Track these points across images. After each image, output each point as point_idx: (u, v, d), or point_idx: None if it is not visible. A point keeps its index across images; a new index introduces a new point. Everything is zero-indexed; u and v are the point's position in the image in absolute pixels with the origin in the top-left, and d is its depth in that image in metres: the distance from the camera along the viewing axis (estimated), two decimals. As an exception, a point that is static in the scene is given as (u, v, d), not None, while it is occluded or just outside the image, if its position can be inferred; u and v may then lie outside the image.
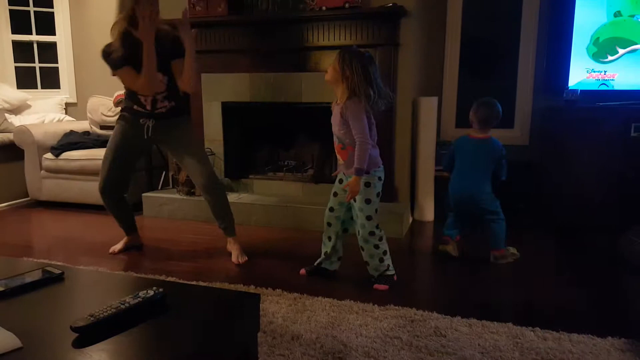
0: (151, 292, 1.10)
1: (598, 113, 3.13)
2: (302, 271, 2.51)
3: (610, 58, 3.20)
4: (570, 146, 3.17)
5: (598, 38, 3.20)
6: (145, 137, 2.65)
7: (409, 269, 2.66)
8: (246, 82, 3.55)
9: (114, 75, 2.56)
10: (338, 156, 2.34)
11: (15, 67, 4.72)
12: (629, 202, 3.08)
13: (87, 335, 0.96)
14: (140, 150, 2.83)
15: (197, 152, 2.72)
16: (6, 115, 4.33)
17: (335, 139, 2.30)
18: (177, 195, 3.66)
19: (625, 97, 3.18)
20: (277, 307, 2.07)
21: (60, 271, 1.29)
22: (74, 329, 0.96)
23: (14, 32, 4.71)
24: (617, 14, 3.14)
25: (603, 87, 3.24)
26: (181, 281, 2.28)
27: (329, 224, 2.42)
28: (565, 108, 3.25)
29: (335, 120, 2.26)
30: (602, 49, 3.20)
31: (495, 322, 1.92)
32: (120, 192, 2.79)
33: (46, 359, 0.90)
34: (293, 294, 2.20)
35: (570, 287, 2.35)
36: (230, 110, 3.69)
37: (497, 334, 1.84)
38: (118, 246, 2.89)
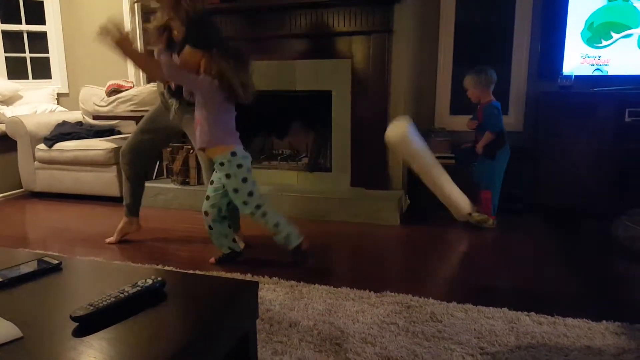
0: (150, 281, 1.10)
1: (592, 98, 3.13)
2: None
3: (604, 43, 3.20)
4: (564, 132, 3.18)
5: (592, 23, 3.20)
6: (171, 117, 2.64)
7: (404, 256, 2.68)
8: (240, 71, 3.52)
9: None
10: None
11: (5, 57, 4.67)
12: (623, 187, 3.09)
13: (87, 325, 0.96)
14: (169, 130, 2.76)
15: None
16: (-2, 106, 4.30)
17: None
18: (172, 185, 3.65)
19: (620, 82, 3.18)
20: (274, 294, 2.08)
21: (57, 261, 1.29)
22: (74, 319, 0.96)
23: (3, 21, 4.65)
24: (612, -2, 3.14)
25: (597, 73, 3.24)
26: (179, 270, 2.29)
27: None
28: (559, 94, 3.26)
29: None
30: (597, 34, 3.20)
31: (490, 307, 1.94)
32: (140, 164, 2.78)
33: (47, 348, 0.90)
34: (290, 281, 2.21)
35: (565, 272, 2.37)
36: (224, 99, 3.66)
37: (492, 318, 1.86)
38: (113, 238, 2.87)
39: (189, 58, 2.32)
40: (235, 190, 2.31)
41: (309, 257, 2.46)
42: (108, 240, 2.86)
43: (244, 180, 2.31)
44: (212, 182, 2.43)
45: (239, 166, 2.31)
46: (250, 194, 2.33)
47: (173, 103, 2.61)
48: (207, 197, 2.40)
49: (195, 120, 2.36)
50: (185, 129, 2.68)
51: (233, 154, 2.30)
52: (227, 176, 2.30)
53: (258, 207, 2.35)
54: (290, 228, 2.42)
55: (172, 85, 2.57)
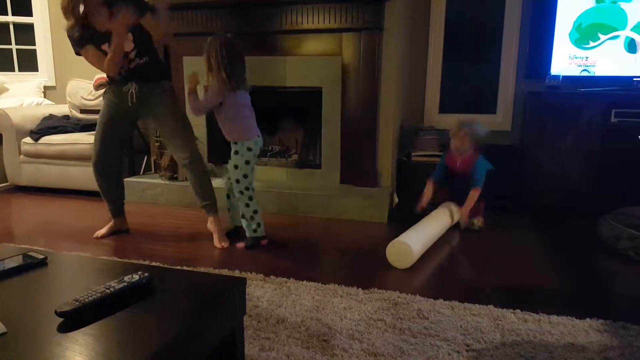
0: (136, 277, 1.09)
1: (579, 99, 3.16)
2: (240, 244, 2.72)
3: (592, 44, 3.23)
4: (551, 131, 3.21)
5: (580, 24, 3.23)
6: (130, 104, 2.62)
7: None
8: (229, 66, 3.50)
9: (77, 55, 2.59)
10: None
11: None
12: (609, 187, 3.14)
13: (73, 320, 0.95)
14: (129, 122, 2.79)
15: (178, 125, 2.70)
16: (-17, 98, 4.23)
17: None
18: (159, 180, 3.62)
19: (606, 83, 3.22)
20: (262, 291, 2.07)
21: (43, 256, 1.28)
22: (59, 314, 0.95)
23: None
24: (600, 0, 3.17)
25: (585, 73, 3.28)
26: (166, 266, 2.28)
27: (227, 195, 2.84)
28: (547, 94, 3.28)
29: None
30: (584, 35, 3.23)
31: (476, 305, 1.96)
32: (113, 169, 2.79)
33: (31, 343, 0.89)
34: (278, 278, 2.21)
35: (550, 270, 2.40)
36: (213, 95, 3.65)
37: (478, 315, 1.87)
38: (102, 231, 2.86)
39: (154, 24, 2.50)
40: (236, 167, 2.63)
41: (257, 247, 2.69)
42: (96, 233, 2.84)
43: (247, 162, 2.63)
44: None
45: (249, 149, 2.64)
46: (245, 176, 2.63)
47: (131, 87, 2.60)
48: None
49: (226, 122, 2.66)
50: (153, 111, 2.67)
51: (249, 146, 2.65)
52: (236, 160, 2.63)
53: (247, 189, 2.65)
54: (262, 221, 2.70)
55: (122, 71, 2.56)
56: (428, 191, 3.12)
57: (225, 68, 2.46)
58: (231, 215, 2.88)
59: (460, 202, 2.98)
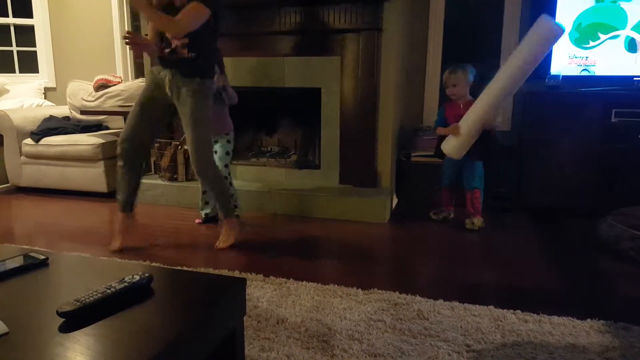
0: (137, 277, 1.09)
1: (579, 99, 3.16)
2: (197, 220, 3.13)
3: (592, 44, 3.23)
4: (551, 131, 3.21)
5: (580, 23, 3.23)
6: (165, 91, 2.51)
7: (392, 254, 2.69)
8: (228, 66, 3.49)
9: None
10: None
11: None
12: (609, 187, 3.13)
13: (74, 320, 0.95)
14: (163, 109, 2.60)
15: (194, 130, 2.51)
16: (-17, 100, 4.24)
17: None
18: (159, 181, 3.62)
19: (606, 83, 3.22)
20: (261, 291, 2.07)
21: (44, 256, 1.27)
22: (61, 314, 0.95)
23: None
24: (599, -1, 3.17)
25: (584, 73, 3.27)
26: (166, 266, 2.27)
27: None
28: (547, 93, 3.28)
29: None
30: (584, 35, 3.23)
31: (477, 305, 1.96)
32: (138, 154, 2.61)
33: (33, 343, 0.89)
34: (278, 278, 2.21)
35: (550, 271, 2.40)
36: (213, 95, 3.65)
37: (479, 316, 1.87)
38: (117, 243, 2.66)
39: (194, 11, 2.40)
40: (227, 154, 3.02)
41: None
42: (113, 247, 2.64)
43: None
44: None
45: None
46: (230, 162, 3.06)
47: (166, 74, 2.50)
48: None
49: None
50: (179, 107, 2.54)
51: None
52: (229, 147, 3.04)
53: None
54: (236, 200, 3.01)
55: (166, 52, 2.48)
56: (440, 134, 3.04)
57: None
58: (208, 202, 3.12)
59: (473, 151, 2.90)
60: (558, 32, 2.53)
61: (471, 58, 3.68)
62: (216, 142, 2.96)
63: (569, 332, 1.75)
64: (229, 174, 3.04)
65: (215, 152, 2.90)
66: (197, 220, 3.13)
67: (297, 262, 2.49)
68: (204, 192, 3.09)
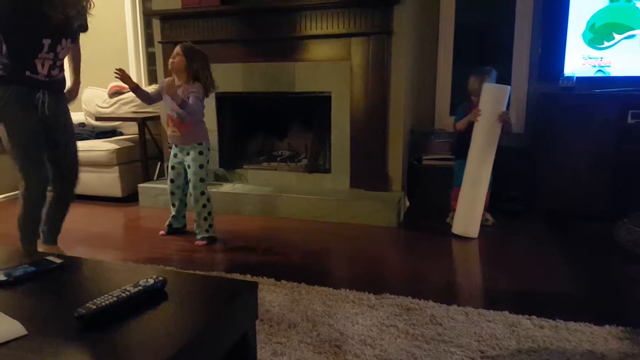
0: (151, 281, 1.11)
1: (594, 100, 3.12)
2: (162, 232, 3.00)
3: (606, 44, 3.19)
4: (566, 133, 3.17)
5: (594, 24, 3.18)
6: (47, 112, 2.35)
7: (404, 258, 2.66)
8: (239, 72, 3.52)
9: None
10: (175, 129, 2.79)
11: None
12: (625, 190, 3.08)
13: (90, 323, 0.97)
14: (42, 127, 2.38)
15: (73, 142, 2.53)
16: None
17: (173, 115, 2.76)
18: (171, 186, 3.63)
19: (622, 83, 3.17)
20: (273, 295, 2.06)
21: (60, 260, 1.30)
22: (77, 317, 0.97)
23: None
24: (613, -1, 3.13)
25: (599, 74, 3.23)
26: (179, 270, 2.27)
27: (172, 193, 2.95)
28: (561, 95, 3.24)
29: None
30: (599, 35, 3.19)
31: (491, 311, 1.92)
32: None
33: (50, 345, 0.91)
34: (289, 283, 2.20)
35: (566, 275, 2.36)
36: (223, 100, 3.67)
37: (493, 322, 1.84)
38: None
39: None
40: (201, 166, 2.80)
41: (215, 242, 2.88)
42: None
43: (208, 162, 2.86)
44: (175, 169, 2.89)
45: (209, 150, 2.87)
46: (207, 174, 2.85)
47: (41, 97, 2.32)
48: (189, 180, 2.84)
49: (181, 124, 2.74)
50: (59, 119, 2.43)
51: (209, 147, 2.87)
52: (202, 160, 2.80)
53: (203, 192, 2.82)
54: (213, 222, 2.88)
55: (45, 68, 2.31)
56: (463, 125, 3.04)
57: (210, 74, 2.76)
58: (177, 215, 3.01)
59: None
60: (504, 91, 2.83)
61: (483, 60, 3.66)
62: (187, 153, 2.79)
63: (587, 339, 1.72)
64: (206, 188, 2.82)
65: (189, 167, 2.79)
66: (161, 232, 3.02)
67: (309, 266, 2.48)
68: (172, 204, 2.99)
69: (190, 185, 2.81)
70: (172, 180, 2.92)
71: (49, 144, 2.43)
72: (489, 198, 3.06)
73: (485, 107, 2.82)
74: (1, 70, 2.23)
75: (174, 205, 2.99)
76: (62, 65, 2.43)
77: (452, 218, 3.07)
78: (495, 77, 3.01)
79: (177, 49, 2.71)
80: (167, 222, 3.01)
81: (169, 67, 2.76)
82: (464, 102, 3.11)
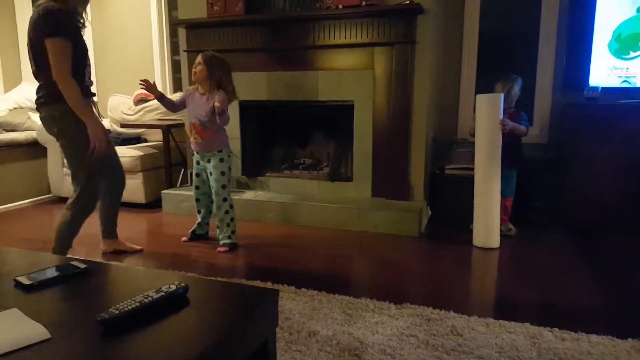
0: (173, 287, 1.12)
1: (619, 111, 3.07)
2: (184, 239, 3.05)
3: (632, 55, 3.14)
4: (590, 145, 3.13)
5: (620, 34, 3.15)
6: (48, 128, 2.49)
7: (425, 268, 2.66)
8: (263, 81, 3.57)
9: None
10: (197, 136, 2.82)
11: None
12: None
13: (113, 328, 0.98)
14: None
15: (68, 160, 2.54)
16: (29, 113, 4.42)
17: (196, 122, 2.80)
18: (195, 193, 3.69)
19: (648, 94, 3.13)
20: (293, 303, 2.08)
21: (85, 266, 1.32)
22: (100, 322, 0.98)
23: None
24: (640, 9, 3.09)
25: (625, 85, 3.19)
26: (200, 276, 2.31)
27: (198, 200, 3.01)
28: (585, 106, 3.21)
29: (202, 107, 2.77)
30: (625, 45, 3.15)
31: (512, 322, 1.91)
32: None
33: (73, 350, 0.92)
34: (310, 291, 2.21)
35: (589, 287, 2.33)
36: (247, 109, 3.72)
37: (514, 333, 1.83)
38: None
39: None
40: (222, 173, 2.84)
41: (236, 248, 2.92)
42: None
43: (229, 169, 2.91)
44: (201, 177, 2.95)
45: (229, 156, 2.91)
46: (229, 181, 2.89)
47: (42, 112, 2.45)
48: (212, 187, 2.88)
49: (204, 131, 2.79)
50: (54, 136, 2.51)
51: (229, 153, 2.91)
52: (223, 167, 2.84)
53: (225, 199, 2.86)
54: (235, 229, 2.92)
55: (88, 82, 2.53)
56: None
57: (232, 83, 2.79)
58: (202, 222, 3.07)
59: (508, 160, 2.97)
60: (497, 99, 2.82)
61: (507, 68, 3.64)
62: (209, 161, 2.85)
63: (609, 352, 1.70)
64: (229, 194, 2.87)
65: (210, 174, 2.85)
66: (183, 238, 3.07)
67: (329, 274, 2.49)
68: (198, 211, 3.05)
69: (213, 192, 2.87)
70: (197, 187, 2.97)
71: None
72: (511, 208, 3.05)
73: (481, 118, 2.85)
74: (53, 89, 2.34)
75: (199, 212, 3.04)
76: None
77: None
78: (520, 85, 3.01)
79: (199, 58, 2.76)
80: (191, 229, 3.07)
81: (192, 77, 2.82)
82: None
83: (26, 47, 2.40)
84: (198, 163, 2.91)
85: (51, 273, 1.26)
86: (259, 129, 3.87)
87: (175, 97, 3.06)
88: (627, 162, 3.05)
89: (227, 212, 2.85)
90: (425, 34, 3.16)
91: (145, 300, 1.05)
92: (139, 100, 4.32)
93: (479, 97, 2.88)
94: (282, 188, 3.71)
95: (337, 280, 2.40)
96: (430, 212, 3.52)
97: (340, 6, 3.19)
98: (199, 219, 3.05)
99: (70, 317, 1.06)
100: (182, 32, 3.76)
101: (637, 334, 1.81)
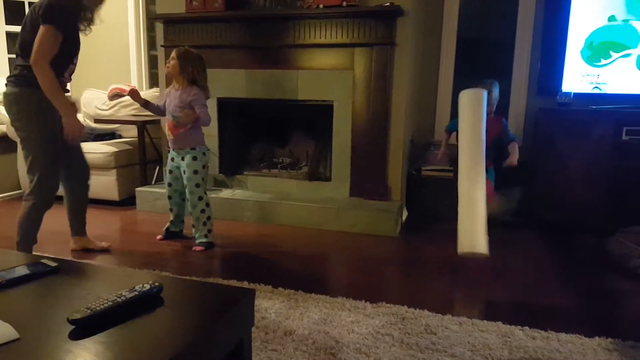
0: (147, 286, 1.10)
1: (591, 116, 3.16)
2: (159, 237, 3.01)
3: (603, 62, 3.23)
4: (562, 148, 3.21)
5: (592, 42, 3.23)
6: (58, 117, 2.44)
7: (401, 267, 2.68)
8: (242, 78, 3.56)
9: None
10: (169, 133, 2.81)
11: (9, 59, 4.69)
12: (619, 205, 3.11)
13: (84, 328, 0.96)
14: None
15: (23, 145, 2.44)
16: (-1, 107, 4.31)
17: (170, 118, 2.78)
18: (171, 190, 3.65)
19: (618, 101, 3.22)
20: (270, 303, 2.08)
21: (56, 264, 1.29)
22: (71, 321, 0.96)
23: (7, 22, 4.67)
24: (612, 18, 3.18)
25: (596, 91, 3.27)
26: (175, 276, 2.29)
27: (170, 197, 2.97)
28: (558, 110, 3.29)
29: (175, 102, 2.74)
30: (596, 53, 3.24)
31: (485, 321, 1.95)
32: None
33: (43, 350, 0.90)
34: (286, 290, 2.22)
35: (559, 287, 2.38)
36: (225, 106, 3.69)
37: (486, 332, 1.87)
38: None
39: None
40: (195, 172, 2.79)
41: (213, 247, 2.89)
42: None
43: (204, 167, 2.85)
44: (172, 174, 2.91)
45: (204, 154, 2.85)
46: (204, 180, 2.85)
47: (7, 90, 2.41)
48: (186, 185, 2.84)
49: (175, 128, 2.76)
50: (13, 118, 2.44)
51: (204, 151, 2.85)
52: (196, 165, 2.79)
53: (201, 198, 2.83)
54: (212, 227, 2.88)
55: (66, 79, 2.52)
56: (445, 142, 3.19)
57: (206, 79, 2.78)
58: (175, 220, 3.02)
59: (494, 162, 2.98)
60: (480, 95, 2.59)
61: (483, 73, 3.70)
62: (183, 158, 2.80)
63: (577, 350, 1.74)
64: (204, 192, 2.83)
65: (184, 172, 2.80)
66: (158, 237, 3.03)
67: (306, 274, 2.50)
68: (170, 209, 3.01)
69: (187, 191, 2.82)
70: (169, 184, 2.94)
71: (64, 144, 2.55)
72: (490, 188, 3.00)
73: (465, 116, 2.58)
74: (28, 72, 2.33)
75: (171, 210, 3.00)
76: None
77: None
78: (498, 90, 3.04)
79: (173, 53, 2.75)
80: (165, 227, 3.03)
81: (165, 72, 2.81)
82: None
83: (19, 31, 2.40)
84: (172, 160, 2.88)
85: (21, 271, 1.23)
86: (237, 127, 3.85)
87: (151, 93, 3.04)
88: (597, 165, 3.14)
89: (203, 210, 2.82)
90: (404, 36, 3.18)
91: (118, 299, 1.03)
92: (114, 95, 4.25)
93: (463, 93, 2.59)
94: (260, 187, 3.70)
95: (314, 280, 2.41)
96: (407, 213, 3.55)
97: (321, 6, 3.20)
98: (172, 217, 3.02)
99: (41, 317, 1.04)
100: (159, 27, 3.71)
101: (604, 332, 1.86)
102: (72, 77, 2.62)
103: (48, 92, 2.31)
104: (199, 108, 2.71)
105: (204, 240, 2.84)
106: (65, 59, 2.43)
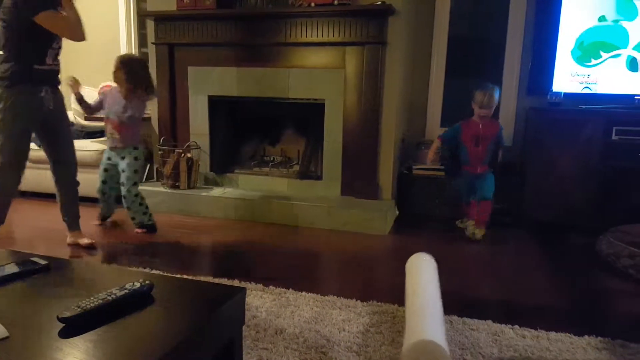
0: (138, 284, 1.10)
1: (581, 116, 3.18)
2: (96, 222, 3.20)
3: (594, 62, 3.26)
4: (553, 147, 3.22)
5: (582, 42, 3.25)
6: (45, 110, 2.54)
7: (392, 266, 2.69)
8: (233, 76, 3.54)
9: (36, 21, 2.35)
10: (114, 132, 2.94)
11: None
12: (608, 204, 3.14)
13: (74, 326, 0.96)
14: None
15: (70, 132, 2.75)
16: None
17: (114, 118, 2.92)
18: (161, 189, 3.64)
19: (608, 100, 3.24)
20: (261, 301, 2.08)
21: (45, 262, 1.28)
22: (61, 319, 0.96)
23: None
24: (602, 18, 3.20)
25: (586, 91, 3.30)
26: (166, 274, 2.28)
27: (103, 193, 3.13)
28: (548, 110, 3.30)
29: (121, 102, 2.90)
30: (587, 53, 3.26)
31: (475, 319, 1.96)
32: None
33: (33, 348, 0.90)
34: (277, 288, 2.21)
35: (549, 286, 2.40)
36: (216, 104, 3.68)
37: (477, 330, 1.87)
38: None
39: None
40: (136, 171, 2.96)
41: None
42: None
43: (142, 166, 3.04)
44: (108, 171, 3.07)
45: (143, 153, 3.03)
46: (141, 178, 3.07)
47: (45, 95, 2.55)
48: (123, 183, 2.96)
49: (120, 126, 2.91)
50: (59, 111, 2.70)
51: (144, 150, 3.04)
52: (137, 165, 2.96)
53: (137, 194, 3.00)
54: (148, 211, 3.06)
55: (50, 58, 2.54)
56: (435, 145, 3.24)
57: (150, 79, 2.94)
58: (106, 208, 3.23)
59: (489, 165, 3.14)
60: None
61: (474, 73, 3.73)
62: (123, 158, 2.96)
63: (567, 349, 1.75)
64: (138, 189, 3.01)
65: (123, 171, 2.94)
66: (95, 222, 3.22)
67: (297, 272, 2.49)
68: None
69: (124, 189, 2.94)
70: (104, 182, 3.09)
71: (50, 136, 2.65)
72: (488, 214, 3.08)
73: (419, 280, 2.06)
74: (7, 72, 2.38)
75: (102, 208, 3.20)
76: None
77: (462, 222, 3.21)
78: (498, 94, 3.10)
79: (116, 60, 2.89)
80: (99, 215, 3.22)
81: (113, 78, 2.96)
82: (457, 114, 3.18)
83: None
84: (109, 159, 3.02)
85: (10, 269, 1.22)
86: (228, 125, 3.83)
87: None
88: (587, 165, 3.16)
89: (140, 204, 3.00)
90: (396, 35, 3.19)
91: (109, 297, 1.03)
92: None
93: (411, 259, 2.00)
94: (251, 185, 3.69)
95: (305, 278, 2.41)
96: (397, 212, 3.56)
97: (313, 4, 3.19)
98: (104, 212, 3.22)
99: (31, 315, 1.03)
100: (150, 24, 3.69)
101: (593, 331, 1.88)
102: (61, 67, 2.68)
103: (72, 20, 2.41)
104: (138, 108, 2.94)
105: (144, 221, 3.02)
106: (43, 42, 2.44)
